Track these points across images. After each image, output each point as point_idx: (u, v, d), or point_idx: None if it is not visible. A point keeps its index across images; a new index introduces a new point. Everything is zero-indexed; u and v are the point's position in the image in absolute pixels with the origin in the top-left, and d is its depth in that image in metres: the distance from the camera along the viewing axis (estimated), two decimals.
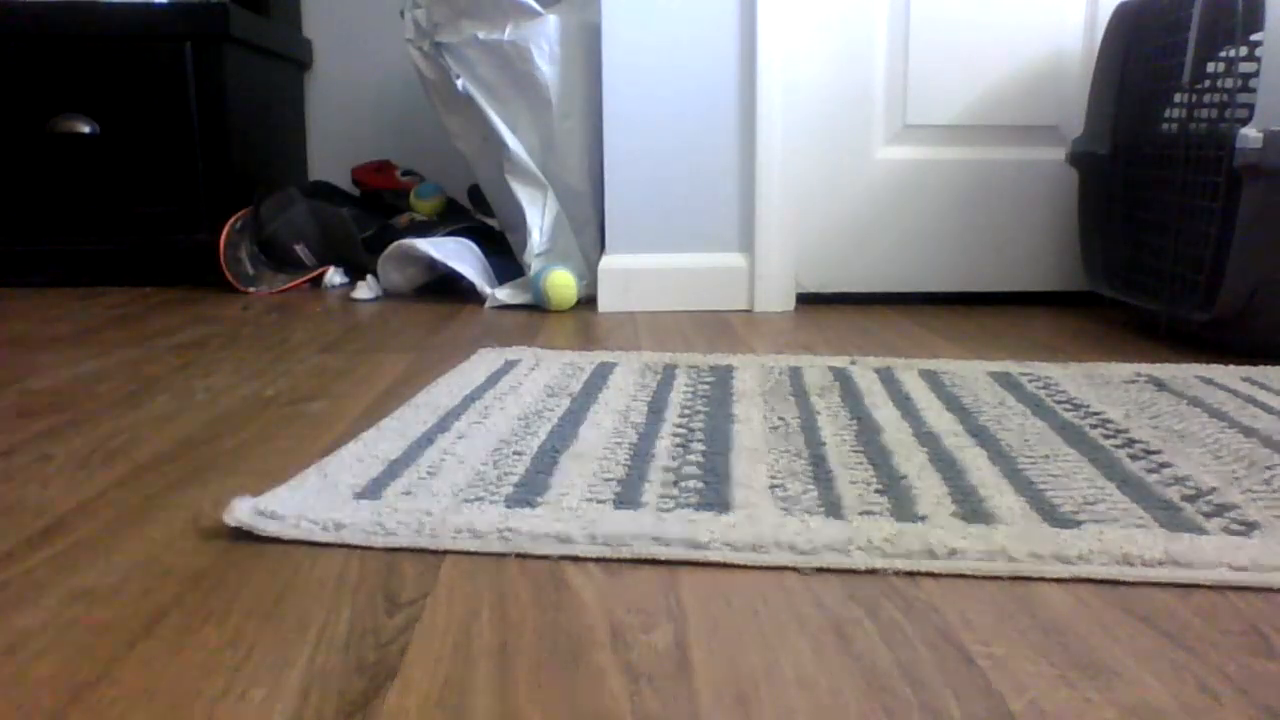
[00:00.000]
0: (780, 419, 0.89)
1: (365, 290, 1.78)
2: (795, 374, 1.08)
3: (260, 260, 1.91)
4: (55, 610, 0.56)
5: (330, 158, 2.43)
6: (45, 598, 0.58)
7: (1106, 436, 0.84)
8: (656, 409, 0.93)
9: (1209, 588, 0.57)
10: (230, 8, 1.93)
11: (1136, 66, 1.46)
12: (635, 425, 0.87)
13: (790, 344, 1.32)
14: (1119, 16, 1.48)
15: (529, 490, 0.70)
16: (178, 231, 1.94)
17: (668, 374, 1.08)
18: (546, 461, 0.77)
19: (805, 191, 1.66)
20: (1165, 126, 1.42)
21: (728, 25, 1.59)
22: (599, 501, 0.68)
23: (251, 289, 1.85)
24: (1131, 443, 0.82)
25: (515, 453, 0.80)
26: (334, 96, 2.44)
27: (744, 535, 0.61)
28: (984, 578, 0.58)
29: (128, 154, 1.94)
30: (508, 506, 0.67)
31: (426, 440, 0.83)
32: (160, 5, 1.95)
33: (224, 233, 1.85)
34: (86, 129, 1.92)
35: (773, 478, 0.72)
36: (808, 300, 1.68)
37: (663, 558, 0.60)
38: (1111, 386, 1.03)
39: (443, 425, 0.88)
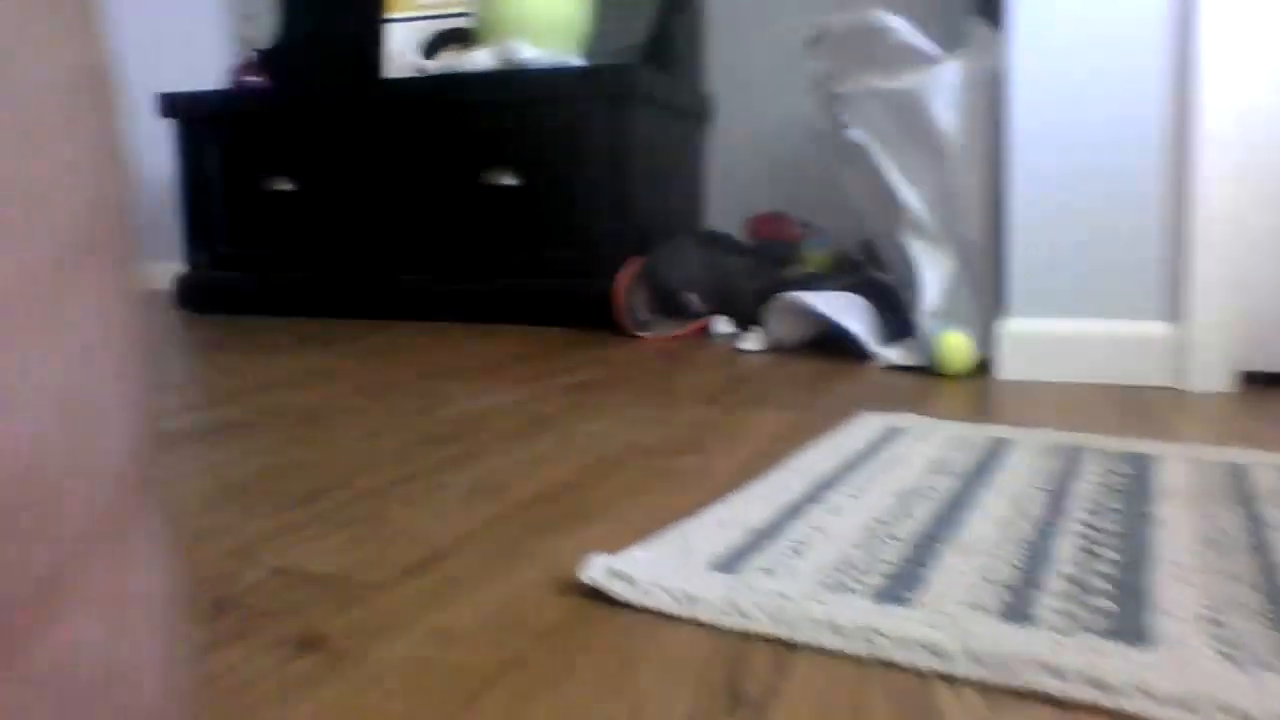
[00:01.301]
0: (1217, 529, 0.74)
1: (751, 341, 1.77)
2: (1237, 472, 0.90)
3: (653, 307, 1.97)
4: (413, 648, 0.57)
5: (725, 207, 2.48)
6: (408, 633, 0.59)
7: None
8: (1057, 500, 0.81)
9: None
10: (638, 69, 2.03)
11: None
12: (1031, 518, 0.76)
13: (1228, 433, 1.12)
14: None
15: (901, 584, 0.62)
16: (580, 276, 2.06)
17: (1072, 458, 0.95)
18: (924, 551, 0.69)
19: (1252, 252, 1.42)
20: None
21: (1154, 64, 1.40)
22: (982, 609, 0.58)
23: (644, 334, 1.92)
24: None
25: (890, 536, 0.72)
26: (732, 148, 2.49)
27: (1168, 684, 0.49)
28: None
29: (540, 204, 2.09)
30: (876, 601, 0.59)
31: (794, 511, 0.78)
32: (575, 69, 2.09)
33: (623, 279, 1.93)
34: (509, 182, 2.10)
35: (1208, 608, 0.59)
36: (1253, 380, 1.43)
37: (1057, 694, 0.49)
38: None
39: (814, 495, 0.82)
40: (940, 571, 0.65)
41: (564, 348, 1.80)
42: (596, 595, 0.63)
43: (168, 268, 2.98)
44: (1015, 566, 0.65)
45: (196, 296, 2.50)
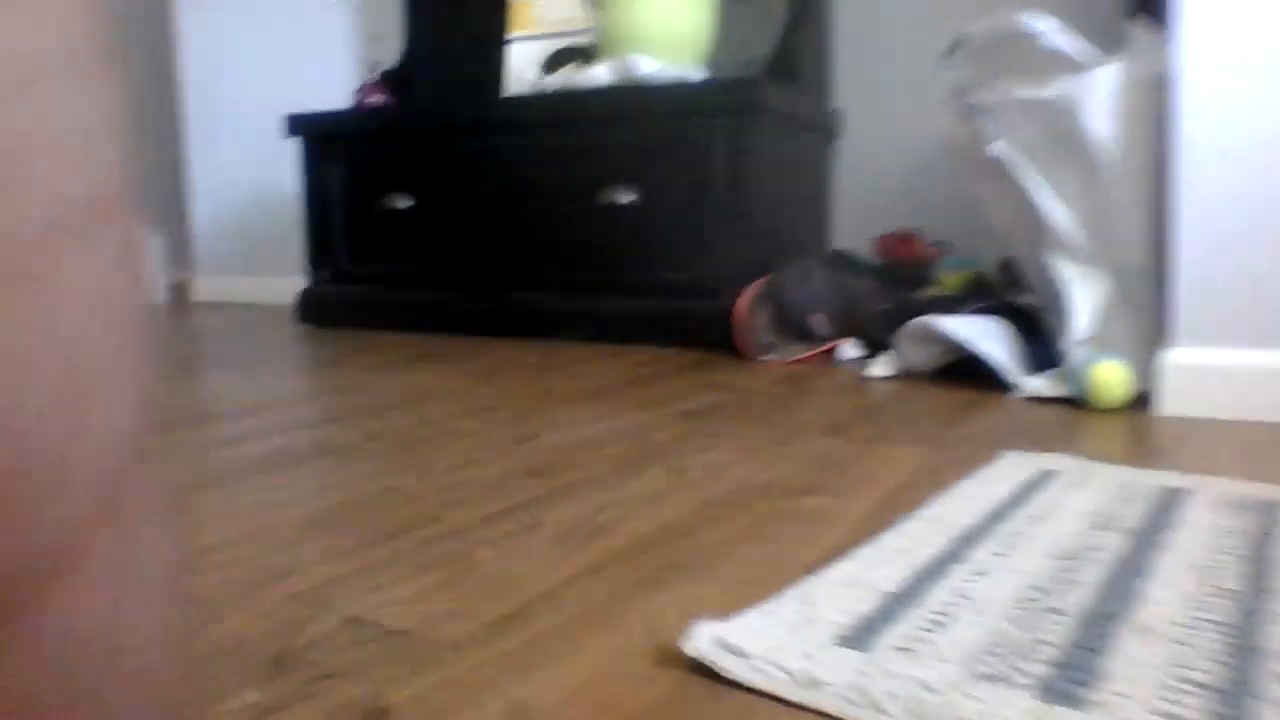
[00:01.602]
0: None
1: (880, 367, 1.65)
2: None
3: (776, 329, 1.87)
4: None
5: (854, 226, 2.36)
6: (483, 707, 0.51)
7: None
8: (1257, 571, 0.68)
9: None
10: (761, 82, 1.94)
11: None
12: (1226, 593, 0.64)
13: None
14: None
15: (1071, 674, 0.51)
16: (700, 296, 1.97)
17: (1267, 516, 0.81)
18: (1095, 631, 0.57)
19: None
20: None
21: None
22: (1181, 717, 0.47)
23: (766, 358, 1.82)
24: None
25: (1051, 609, 0.61)
26: (861, 164, 2.37)
27: None
28: None
29: (660, 222, 2.02)
30: (1043, 699, 0.49)
31: (935, 571, 0.67)
32: (696, 83, 2.01)
33: (745, 300, 1.84)
34: (627, 199, 2.03)
35: None
36: None
37: None
38: None
39: (956, 553, 0.71)
40: (1119, 661, 0.53)
41: (681, 370, 1.72)
42: (702, 669, 0.54)
43: (293, 282, 3.03)
44: (1218, 661, 0.53)
45: (318, 311, 2.52)
